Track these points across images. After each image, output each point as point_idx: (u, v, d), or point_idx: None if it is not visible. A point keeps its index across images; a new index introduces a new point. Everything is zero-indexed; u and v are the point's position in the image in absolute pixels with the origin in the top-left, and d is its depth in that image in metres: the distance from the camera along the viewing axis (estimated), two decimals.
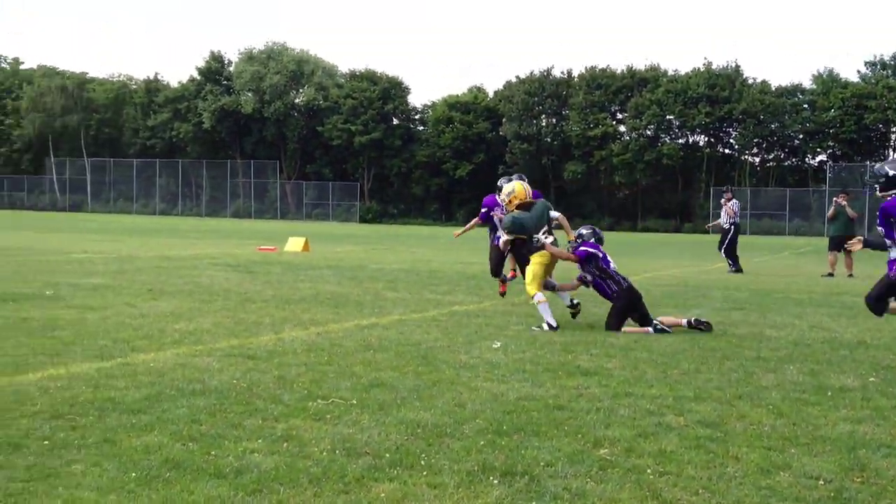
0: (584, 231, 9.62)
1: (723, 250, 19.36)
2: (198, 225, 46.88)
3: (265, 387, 5.79)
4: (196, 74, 78.59)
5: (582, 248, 9.30)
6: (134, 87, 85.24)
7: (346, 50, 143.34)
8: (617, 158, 63.01)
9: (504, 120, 68.57)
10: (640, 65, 67.81)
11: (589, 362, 7.05)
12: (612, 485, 4.00)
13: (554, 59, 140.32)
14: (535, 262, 9.21)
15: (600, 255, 9.26)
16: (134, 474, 3.92)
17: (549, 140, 67.32)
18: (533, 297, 9.08)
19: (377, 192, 73.71)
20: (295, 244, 22.74)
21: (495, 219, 11.84)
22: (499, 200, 10.82)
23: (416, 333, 8.38)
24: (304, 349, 7.28)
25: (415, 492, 3.84)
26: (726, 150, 66.63)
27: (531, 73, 68.52)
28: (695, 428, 5.03)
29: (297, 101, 75.68)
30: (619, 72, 66.83)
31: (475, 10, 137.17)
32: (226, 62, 78.88)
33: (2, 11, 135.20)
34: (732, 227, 19.27)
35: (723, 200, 19.82)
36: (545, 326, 8.85)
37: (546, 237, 9.20)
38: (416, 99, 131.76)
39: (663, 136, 64.75)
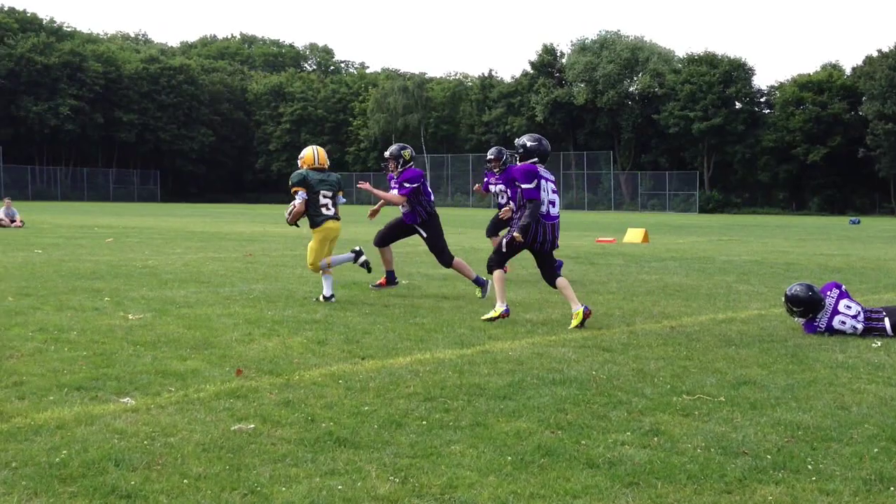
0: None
1: None
2: None
3: (625, 379, 5.81)
4: (529, 68, 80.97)
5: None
6: (469, 84, 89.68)
7: (683, 33, 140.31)
8: None
9: (864, 99, 63.35)
10: None
11: None
12: None
13: None
14: (316, 240, 9.58)
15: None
16: (509, 458, 4.09)
17: None
18: (320, 268, 9.56)
19: (718, 181, 71.39)
20: (634, 235, 22.63)
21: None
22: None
23: (779, 329, 7.98)
24: (660, 343, 7.20)
25: (805, 497, 3.64)
26: None
27: None
28: None
29: (631, 89, 75.32)
30: None
31: None
32: (558, 54, 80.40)
33: (349, 21, 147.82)
34: None
35: None
36: (321, 298, 9.39)
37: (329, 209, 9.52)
38: (762, 80, 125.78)
39: None
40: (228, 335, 7.21)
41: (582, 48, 76.70)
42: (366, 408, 4.95)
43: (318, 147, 9.83)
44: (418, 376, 5.79)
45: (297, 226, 9.81)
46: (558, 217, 8.27)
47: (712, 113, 68.38)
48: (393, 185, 10.26)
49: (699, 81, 69.58)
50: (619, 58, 73.44)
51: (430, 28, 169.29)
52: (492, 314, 8.25)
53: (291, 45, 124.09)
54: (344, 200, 9.86)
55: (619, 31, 77.66)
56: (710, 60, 71.34)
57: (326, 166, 9.70)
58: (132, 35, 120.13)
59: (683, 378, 5.87)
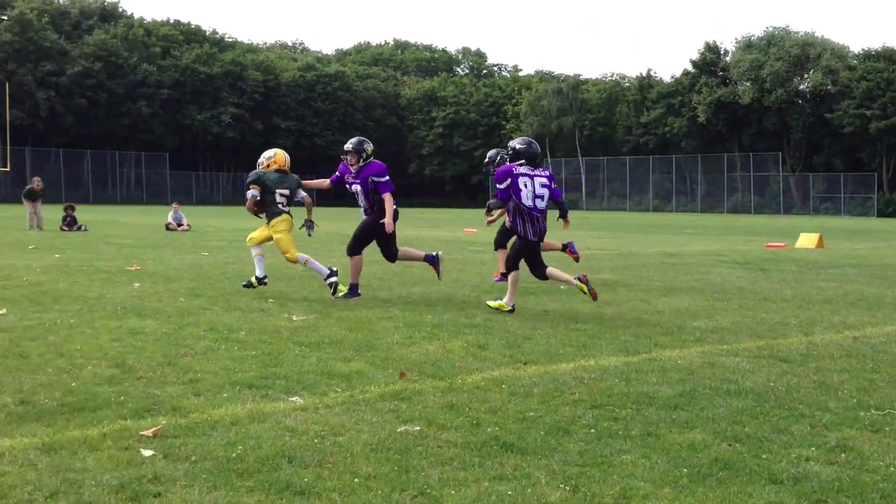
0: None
1: None
2: (694, 221, 47.13)
3: (806, 392, 5.57)
4: (690, 67, 79.21)
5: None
6: (626, 84, 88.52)
7: (857, 28, 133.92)
8: None
9: None
10: None
11: None
12: None
13: None
14: (281, 230, 10.19)
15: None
16: (685, 470, 3.99)
17: None
18: (298, 260, 10.22)
19: None
20: (807, 240, 21.74)
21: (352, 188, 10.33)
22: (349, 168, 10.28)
23: None
24: (842, 354, 6.87)
25: None
26: None
27: None
28: None
29: (801, 87, 72.58)
30: None
31: None
32: (721, 52, 78.34)
33: (502, 24, 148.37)
34: None
35: None
36: (326, 279, 10.10)
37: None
38: None
39: None
40: (389, 338, 7.35)
41: (747, 45, 74.46)
42: (531, 413, 4.94)
43: (284, 151, 10.51)
44: (583, 383, 5.73)
45: (260, 216, 10.42)
46: (545, 211, 9.14)
47: (892, 111, 64.93)
48: (351, 179, 10.26)
49: (877, 78, 66.22)
50: (788, 55, 70.82)
51: (586, 29, 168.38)
52: (495, 304, 9.07)
53: (444, 50, 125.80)
54: (303, 195, 10.69)
55: (787, 26, 75.04)
56: (888, 56, 67.75)
57: (288, 169, 10.41)
58: (290, 44, 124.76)
59: (870, 392, 5.58)
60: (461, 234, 27.14)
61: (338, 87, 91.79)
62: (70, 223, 25.32)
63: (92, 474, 3.79)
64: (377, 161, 10.25)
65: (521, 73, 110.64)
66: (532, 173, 9.07)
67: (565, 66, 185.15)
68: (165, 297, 9.77)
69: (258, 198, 10.13)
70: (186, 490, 3.62)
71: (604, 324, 8.34)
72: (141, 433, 4.39)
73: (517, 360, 6.49)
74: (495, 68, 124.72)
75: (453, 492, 3.67)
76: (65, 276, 11.99)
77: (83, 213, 31.43)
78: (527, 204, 8.98)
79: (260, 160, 10.38)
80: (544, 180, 9.12)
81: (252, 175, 10.28)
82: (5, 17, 78.81)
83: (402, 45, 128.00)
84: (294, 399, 5.18)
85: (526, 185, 8.98)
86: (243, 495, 3.59)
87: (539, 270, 9.23)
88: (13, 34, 75.12)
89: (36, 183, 26.67)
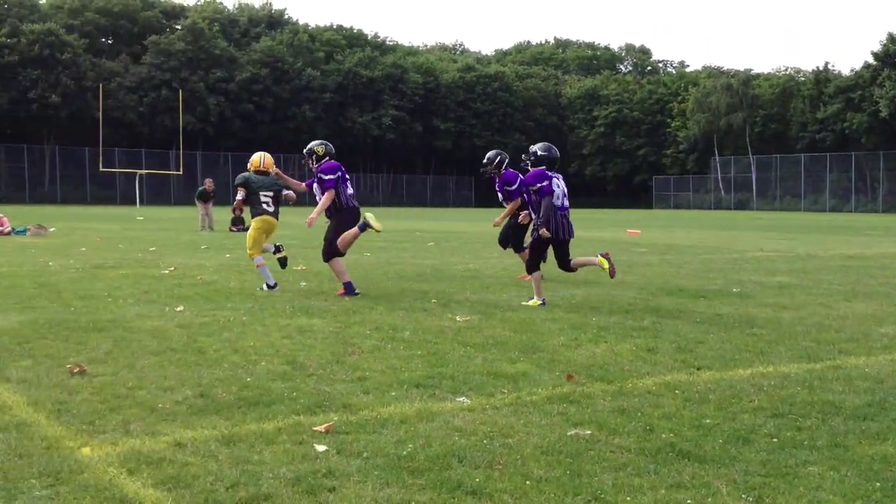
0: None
1: None
2: (876, 221, 44.72)
3: None
4: (871, 60, 75.39)
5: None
6: (801, 79, 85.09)
7: None
8: None
9: None
10: None
11: None
12: None
13: None
14: (254, 227, 10.87)
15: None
16: (878, 484, 3.78)
17: None
18: (254, 260, 10.92)
19: None
20: None
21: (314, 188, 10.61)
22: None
23: None
24: None
25: None
26: None
27: None
28: None
29: None
30: None
31: None
32: None
33: (667, 19, 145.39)
34: None
35: None
36: (265, 287, 10.60)
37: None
38: None
39: None
40: (555, 339, 7.31)
41: None
42: (707, 420, 4.79)
43: (266, 153, 11.35)
44: (762, 390, 5.53)
45: (242, 219, 11.32)
46: (568, 209, 9.62)
47: None
48: (310, 180, 10.62)
49: None
50: None
51: (757, 21, 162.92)
52: (530, 303, 9.48)
53: (606, 47, 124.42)
54: (288, 192, 11.19)
55: None
56: None
57: (270, 170, 11.06)
58: (449, 45, 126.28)
59: None
60: (624, 236, 26.73)
61: (497, 88, 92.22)
62: (238, 224, 26.46)
63: (269, 467, 3.94)
64: (331, 161, 10.54)
65: (687, 69, 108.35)
66: (557, 175, 9.67)
67: (735, 60, 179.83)
68: (331, 297, 10.05)
69: (244, 199, 11.10)
70: (360, 486, 3.70)
71: (782, 329, 8.02)
72: (314, 429, 4.52)
73: (690, 365, 6.33)
74: (660, 65, 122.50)
75: (628, 498, 3.60)
76: (236, 274, 12.53)
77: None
78: (557, 203, 9.48)
79: (248, 163, 11.26)
80: (562, 182, 9.75)
81: (239, 178, 11.09)
82: (179, 27, 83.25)
83: (562, 44, 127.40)
84: (461, 399, 5.22)
85: (558, 186, 9.54)
86: (415, 493, 3.63)
87: (566, 265, 9.66)
88: (186, 43, 79.27)
89: (208, 184, 28.00)
